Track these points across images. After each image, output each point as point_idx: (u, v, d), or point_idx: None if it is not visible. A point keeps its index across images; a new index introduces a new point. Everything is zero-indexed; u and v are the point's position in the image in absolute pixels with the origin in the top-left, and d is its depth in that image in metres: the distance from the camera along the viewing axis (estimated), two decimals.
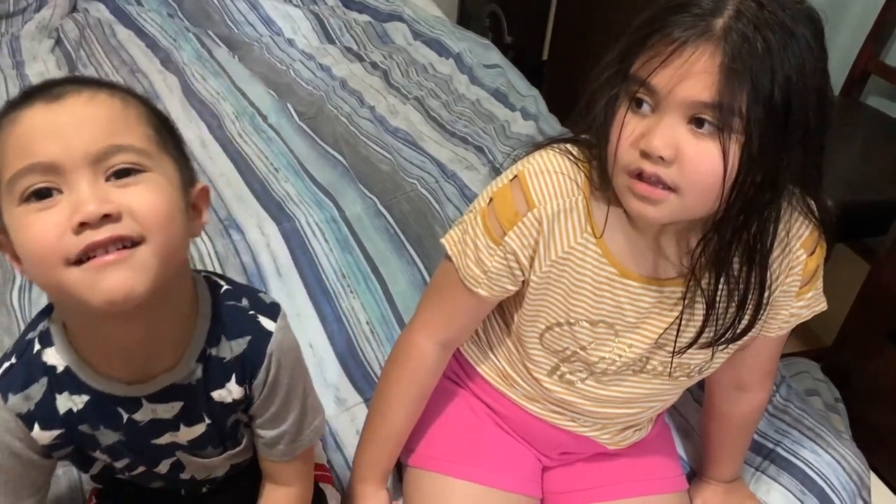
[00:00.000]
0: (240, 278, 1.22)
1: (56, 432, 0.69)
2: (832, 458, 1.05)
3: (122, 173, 0.59)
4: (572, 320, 0.83)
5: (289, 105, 1.75)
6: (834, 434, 1.09)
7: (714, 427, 0.99)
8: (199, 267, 1.24)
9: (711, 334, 0.79)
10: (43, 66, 1.81)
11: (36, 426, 0.68)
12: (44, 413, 0.68)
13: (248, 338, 0.71)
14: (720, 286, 0.75)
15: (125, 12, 2.10)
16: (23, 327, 0.92)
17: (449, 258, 0.84)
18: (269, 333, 0.71)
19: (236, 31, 2.12)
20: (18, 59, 1.84)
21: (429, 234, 1.37)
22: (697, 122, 0.65)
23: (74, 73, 1.75)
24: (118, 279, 0.57)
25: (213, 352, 0.69)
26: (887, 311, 1.23)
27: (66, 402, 0.68)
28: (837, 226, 1.39)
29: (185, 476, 0.78)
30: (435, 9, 2.44)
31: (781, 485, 1.02)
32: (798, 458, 1.04)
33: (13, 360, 0.69)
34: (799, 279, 0.80)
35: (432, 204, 1.44)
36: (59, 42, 1.94)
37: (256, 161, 1.53)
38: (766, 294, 0.76)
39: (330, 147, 1.62)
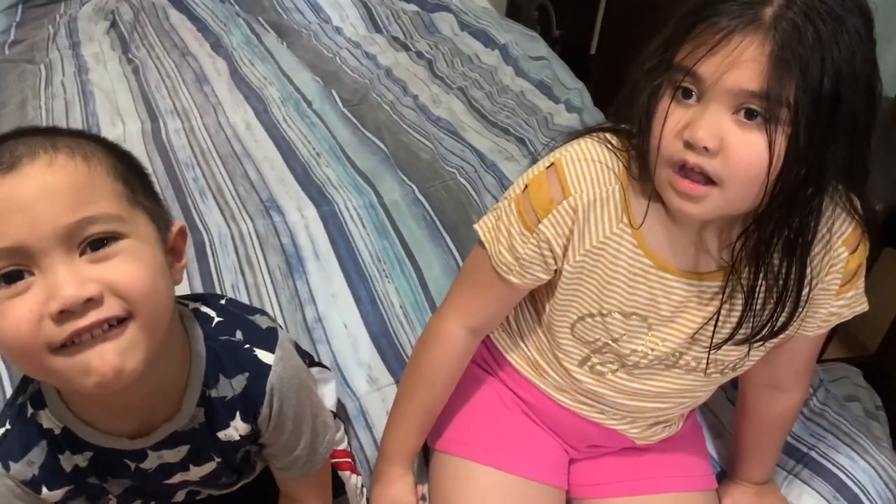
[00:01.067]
0: (279, 259, 1.25)
1: (65, 489, 0.68)
2: (868, 465, 1.02)
3: (96, 244, 0.54)
4: (605, 311, 0.82)
5: (334, 92, 1.76)
6: (872, 441, 1.06)
7: (746, 426, 0.97)
8: (240, 246, 1.26)
9: (748, 331, 0.77)
10: (98, 48, 1.86)
11: (44, 489, 0.67)
12: (49, 475, 0.66)
13: (247, 374, 0.68)
14: (759, 281, 0.74)
15: None
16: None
17: (482, 244, 0.84)
18: (268, 367, 0.68)
19: (285, 17, 2.14)
20: (75, 40, 1.90)
21: (465, 222, 1.37)
22: (745, 112, 0.64)
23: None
24: (109, 361, 0.53)
25: (213, 393, 0.66)
26: None
27: (71, 461, 0.66)
28: (885, 230, 1.35)
29: (202, 497, 0.79)
30: (483, 0, 2.43)
31: (814, 489, 0.99)
32: (833, 464, 1.02)
33: (7, 426, 0.66)
34: (839, 277, 0.78)
35: (470, 193, 1.45)
36: (114, 24, 2.00)
37: (299, 145, 1.55)
38: (805, 290, 0.74)
39: (372, 134, 1.63)
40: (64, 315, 0.51)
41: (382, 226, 1.34)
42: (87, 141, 0.57)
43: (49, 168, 0.53)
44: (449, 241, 1.33)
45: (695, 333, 0.81)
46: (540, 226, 0.78)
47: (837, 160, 0.66)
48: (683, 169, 0.68)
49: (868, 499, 0.98)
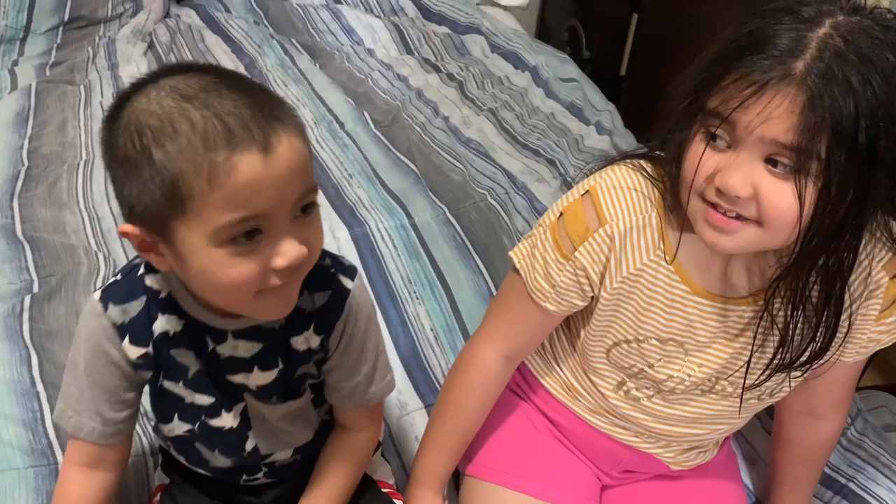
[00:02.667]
0: None
1: (143, 350, 0.74)
2: None
3: (306, 208, 0.65)
4: (641, 337, 0.82)
5: (365, 113, 1.78)
6: None
7: (782, 456, 0.95)
8: None
9: (785, 359, 0.76)
10: (135, 69, 1.90)
11: (126, 339, 0.73)
12: (136, 329, 0.73)
13: (329, 292, 0.76)
14: (797, 312, 0.73)
15: (214, 19, 2.18)
16: None
17: (517, 271, 0.84)
18: (348, 290, 0.77)
19: (318, 39, 2.17)
20: (113, 62, 1.94)
21: (496, 244, 1.37)
22: (773, 161, 0.65)
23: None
24: (282, 305, 0.68)
25: (297, 302, 0.71)
26: None
27: (164, 324, 0.73)
28: None
29: (248, 447, 0.81)
30: (514, 22, 2.45)
31: None
32: (872, 496, 1.00)
33: (118, 277, 0.75)
34: (880, 303, 0.77)
35: (501, 215, 1.45)
36: (151, 46, 2.04)
37: (332, 166, 1.57)
38: (840, 321, 0.73)
39: (403, 155, 1.64)
40: (284, 271, 0.63)
41: (413, 247, 1.34)
42: (299, 121, 0.65)
43: (293, 150, 0.61)
44: (479, 262, 1.33)
45: (729, 359, 0.80)
46: (576, 253, 0.78)
47: (879, 197, 0.66)
48: (715, 207, 0.68)
49: None
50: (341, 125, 1.73)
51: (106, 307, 0.73)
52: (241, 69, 1.94)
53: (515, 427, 0.96)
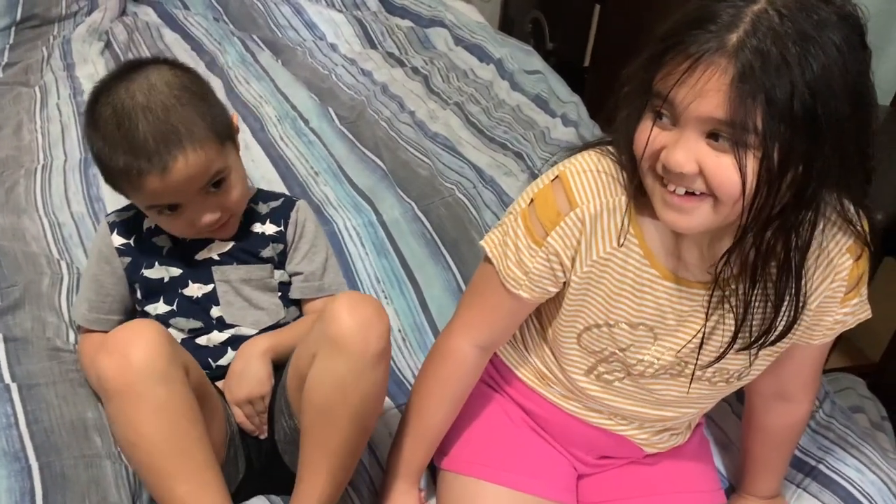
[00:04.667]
0: None
1: (124, 240, 0.98)
2: (877, 478, 1.01)
3: (217, 184, 0.89)
4: (612, 322, 0.82)
5: (330, 109, 1.76)
6: (880, 452, 1.06)
7: (754, 439, 0.97)
8: None
9: (747, 338, 0.78)
10: (93, 69, 1.86)
11: (115, 233, 0.98)
12: (123, 227, 0.98)
13: (281, 199, 1.03)
14: (755, 291, 0.74)
15: (172, 16, 2.14)
16: (71, 329, 1.10)
17: (489, 260, 0.84)
18: (296, 199, 1.04)
19: (280, 35, 2.15)
20: (69, 62, 1.90)
21: (465, 239, 1.36)
22: (714, 136, 0.65)
23: None
24: (224, 233, 0.95)
25: (253, 205, 1.00)
26: None
27: (149, 222, 0.98)
28: (886, 239, 1.35)
29: (215, 313, 0.96)
30: (477, 15, 2.44)
31: (823, 503, 0.99)
32: (841, 476, 1.01)
33: (122, 216, 1.00)
34: (844, 285, 0.78)
35: (469, 209, 1.44)
36: (108, 45, 1.99)
37: (297, 164, 1.55)
38: (801, 298, 0.74)
39: (370, 151, 1.63)
40: (207, 225, 0.90)
41: (382, 244, 1.33)
42: (195, 117, 0.85)
43: (187, 165, 0.84)
44: (449, 258, 1.32)
45: (700, 343, 0.81)
46: (548, 239, 0.79)
47: (830, 172, 0.66)
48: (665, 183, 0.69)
49: None
50: (306, 122, 1.71)
51: (110, 224, 0.99)
52: (202, 67, 1.91)
53: (490, 420, 0.96)
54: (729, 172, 0.65)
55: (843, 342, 1.69)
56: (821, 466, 1.03)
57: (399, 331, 1.18)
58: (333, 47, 2.11)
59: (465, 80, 1.99)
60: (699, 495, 0.97)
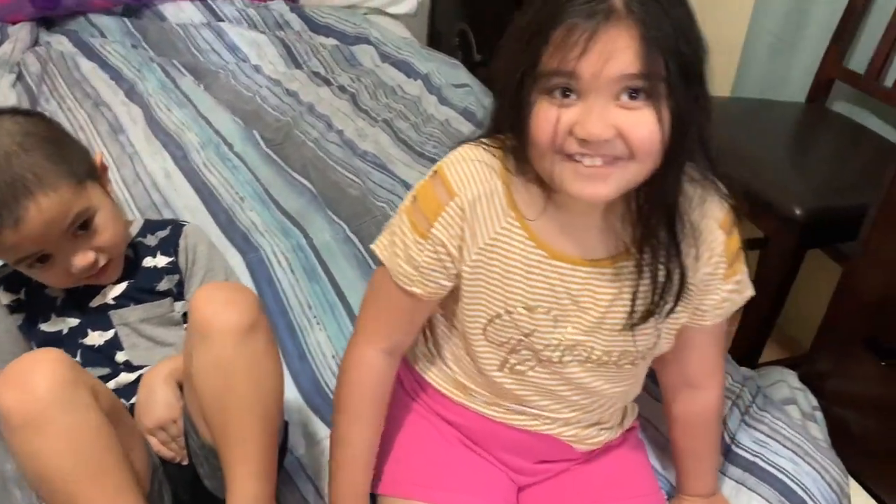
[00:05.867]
0: None
1: (14, 296, 0.95)
2: (811, 468, 1.03)
3: (84, 224, 0.87)
4: (511, 308, 0.83)
5: (255, 132, 1.73)
6: (812, 443, 1.08)
7: (675, 431, 0.99)
8: None
9: (643, 305, 0.80)
10: (3, 101, 1.79)
11: (2, 290, 0.95)
12: (10, 281, 0.95)
13: (169, 227, 1.01)
14: (658, 257, 0.78)
15: (88, 45, 2.08)
16: None
17: (380, 264, 0.85)
18: (183, 224, 1.02)
19: (202, 59, 2.10)
20: None
21: None
22: (628, 94, 0.68)
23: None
24: (106, 278, 0.94)
25: (141, 240, 0.99)
26: (861, 318, 1.22)
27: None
28: (808, 233, 1.39)
29: (120, 358, 0.94)
30: (403, 30, 2.44)
31: (761, 496, 1.00)
32: (777, 469, 1.03)
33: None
34: (723, 261, 0.82)
35: None
36: (20, 77, 1.92)
37: (221, 191, 1.51)
38: (683, 256, 0.78)
39: (298, 173, 1.60)
40: (83, 271, 0.88)
41: (312, 269, 1.31)
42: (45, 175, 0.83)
43: (40, 214, 0.82)
44: None
45: (597, 322, 0.82)
46: (433, 230, 0.80)
47: (699, 128, 0.71)
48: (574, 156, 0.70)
49: (813, 501, 1.00)
50: (230, 146, 1.68)
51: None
52: (121, 95, 1.86)
53: (421, 438, 0.95)
54: (649, 126, 0.68)
55: (777, 333, 1.73)
56: (757, 460, 1.05)
57: (333, 357, 1.16)
58: (257, 69, 2.07)
59: (394, 96, 1.98)
60: (640, 499, 0.97)
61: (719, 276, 0.83)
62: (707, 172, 0.77)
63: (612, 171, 0.70)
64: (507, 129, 0.77)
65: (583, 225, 0.80)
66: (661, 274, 0.78)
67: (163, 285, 0.96)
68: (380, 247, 0.85)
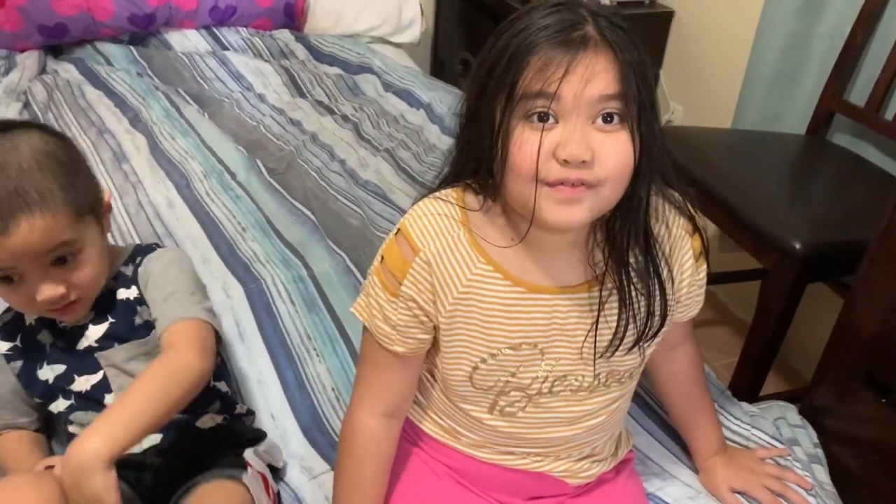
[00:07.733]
0: None
1: (10, 343, 0.95)
2: None
3: (62, 259, 0.85)
4: (494, 351, 0.83)
5: (258, 161, 1.74)
6: (819, 487, 1.07)
7: (670, 393, 1.04)
8: None
9: (632, 333, 0.82)
10: None
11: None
12: (6, 331, 0.96)
13: (146, 254, 0.98)
14: (632, 279, 0.79)
15: (94, 73, 2.10)
16: None
17: (365, 327, 0.85)
18: (153, 250, 0.99)
19: (206, 87, 2.12)
20: None
21: None
22: (603, 118, 0.70)
23: None
24: (71, 318, 0.91)
25: (122, 269, 0.96)
26: (861, 353, 1.21)
27: (29, 318, 0.96)
28: (808, 267, 1.38)
29: (108, 400, 0.92)
30: (406, 59, 2.46)
31: None
32: None
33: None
34: (691, 255, 0.85)
35: None
36: (27, 105, 1.94)
37: (224, 221, 1.52)
38: (663, 278, 0.81)
39: (299, 203, 1.61)
40: (46, 303, 0.86)
41: (312, 300, 1.31)
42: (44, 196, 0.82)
43: (31, 231, 0.81)
44: None
45: (583, 345, 0.83)
46: (402, 287, 0.81)
47: (659, 144, 0.74)
48: (553, 184, 0.71)
49: None
50: (233, 175, 1.68)
51: None
52: (126, 124, 1.88)
53: (417, 477, 0.94)
54: (622, 149, 0.70)
55: (780, 364, 1.72)
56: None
57: (332, 389, 1.16)
58: (261, 97, 2.09)
59: (396, 125, 1.99)
60: None
61: (696, 278, 0.87)
62: (663, 187, 0.80)
63: (583, 195, 0.71)
64: (478, 164, 0.76)
65: (554, 254, 0.81)
66: (643, 304, 0.81)
67: (138, 319, 0.95)
68: (358, 309, 0.86)
